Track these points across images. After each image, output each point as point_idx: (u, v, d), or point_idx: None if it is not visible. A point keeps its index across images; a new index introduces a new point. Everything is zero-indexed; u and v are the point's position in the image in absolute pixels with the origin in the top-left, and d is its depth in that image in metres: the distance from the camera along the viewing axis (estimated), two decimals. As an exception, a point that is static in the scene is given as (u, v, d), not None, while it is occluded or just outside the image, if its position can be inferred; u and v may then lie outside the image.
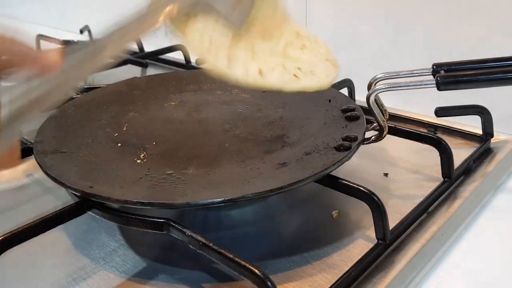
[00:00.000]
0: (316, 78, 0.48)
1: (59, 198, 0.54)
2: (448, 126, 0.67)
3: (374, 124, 0.53)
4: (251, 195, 0.42)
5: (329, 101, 0.61)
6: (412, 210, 0.49)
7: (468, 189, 0.54)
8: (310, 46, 0.53)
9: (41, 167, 0.49)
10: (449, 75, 0.48)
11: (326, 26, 0.86)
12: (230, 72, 0.43)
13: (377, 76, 0.54)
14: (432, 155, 0.55)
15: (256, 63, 0.45)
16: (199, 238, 0.39)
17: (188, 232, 0.40)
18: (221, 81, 0.70)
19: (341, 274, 0.41)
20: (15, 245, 0.42)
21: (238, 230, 0.51)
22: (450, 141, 0.56)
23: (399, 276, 0.42)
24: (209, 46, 0.44)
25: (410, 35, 0.76)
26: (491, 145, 0.63)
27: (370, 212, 0.44)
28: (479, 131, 0.64)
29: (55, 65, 0.34)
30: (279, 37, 0.51)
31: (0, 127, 0.32)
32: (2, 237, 0.41)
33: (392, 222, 0.45)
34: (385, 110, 0.53)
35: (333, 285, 0.40)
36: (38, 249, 0.48)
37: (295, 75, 0.47)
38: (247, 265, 0.36)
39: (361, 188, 0.45)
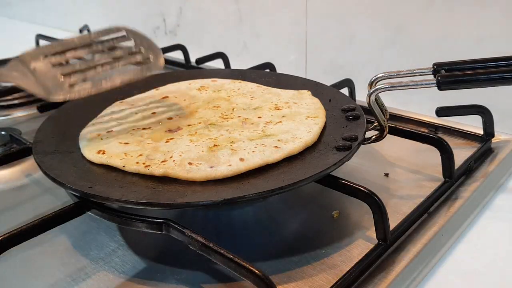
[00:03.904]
0: (298, 140, 0.51)
1: (58, 198, 0.54)
2: (449, 126, 0.67)
3: (375, 124, 0.53)
4: (251, 195, 0.42)
5: (329, 100, 0.61)
6: (413, 211, 0.49)
7: (469, 189, 0.54)
8: (290, 112, 0.58)
9: (40, 167, 0.49)
10: (449, 75, 0.48)
11: (326, 26, 0.86)
12: (214, 173, 0.46)
13: (377, 76, 0.54)
14: (432, 155, 0.55)
15: (236, 154, 0.48)
16: (198, 238, 0.39)
17: (188, 233, 0.40)
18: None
19: (341, 275, 0.41)
20: (14, 245, 0.42)
21: (238, 230, 0.50)
22: (451, 141, 0.56)
23: (399, 276, 0.42)
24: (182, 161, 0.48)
25: (410, 35, 0.76)
26: (492, 145, 0.63)
27: (371, 212, 0.44)
28: (480, 131, 0.63)
29: None
30: (257, 122, 0.56)
31: None
32: (2, 237, 0.41)
33: (393, 222, 0.45)
34: (385, 110, 0.53)
35: (333, 285, 0.40)
36: (38, 249, 0.48)
37: (276, 147, 0.49)
38: (247, 265, 0.36)
39: (362, 188, 0.45)
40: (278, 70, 0.82)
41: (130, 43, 0.58)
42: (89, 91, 0.54)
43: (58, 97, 0.52)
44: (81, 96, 0.53)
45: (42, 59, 0.53)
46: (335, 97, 0.61)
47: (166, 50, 0.99)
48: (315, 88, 0.64)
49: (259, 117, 0.57)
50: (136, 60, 0.56)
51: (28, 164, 0.63)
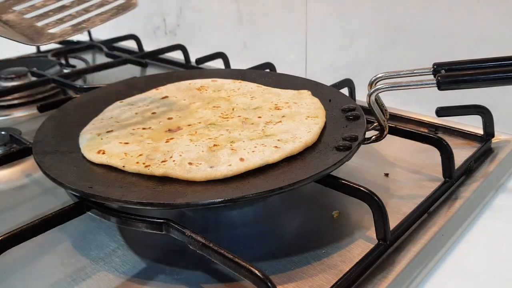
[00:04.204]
0: (298, 140, 0.51)
1: (58, 199, 0.54)
2: (449, 126, 0.67)
3: (375, 124, 0.53)
4: (251, 195, 0.42)
5: (329, 101, 0.61)
6: (413, 211, 0.49)
7: (469, 189, 0.54)
8: (290, 112, 0.58)
9: (40, 167, 0.49)
10: (449, 75, 0.48)
11: (326, 26, 0.86)
12: (214, 173, 0.46)
13: (377, 76, 0.54)
14: (432, 155, 0.55)
15: (236, 154, 0.48)
16: (199, 238, 0.39)
17: (188, 233, 0.40)
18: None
19: (341, 275, 0.41)
20: (14, 245, 0.42)
21: (238, 230, 0.50)
22: (451, 141, 0.56)
23: (399, 276, 0.42)
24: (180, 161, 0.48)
25: (410, 35, 0.76)
26: (492, 145, 0.63)
27: (371, 212, 0.44)
28: (480, 131, 0.63)
29: None
30: (257, 122, 0.56)
31: None
32: (2, 237, 0.41)
33: (393, 222, 0.45)
34: (385, 110, 0.53)
35: (333, 285, 0.40)
36: (38, 249, 0.48)
37: (276, 147, 0.49)
38: (247, 265, 0.36)
39: (362, 189, 0.45)
40: (278, 70, 0.82)
41: None
42: (71, 34, 0.53)
43: (42, 42, 0.52)
44: (65, 39, 0.53)
45: (11, 11, 0.53)
46: (335, 97, 0.61)
47: (166, 50, 0.99)
48: (315, 88, 0.64)
49: (259, 117, 0.57)
50: (108, 1, 0.56)
51: (28, 164, 0.63)
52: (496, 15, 0.67)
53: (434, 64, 0.52)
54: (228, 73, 0.75)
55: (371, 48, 0.81)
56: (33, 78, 0.88)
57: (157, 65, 1.02)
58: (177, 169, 0.47)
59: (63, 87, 0.87)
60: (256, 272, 0.36)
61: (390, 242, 0.45)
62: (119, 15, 0.55)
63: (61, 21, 0.54)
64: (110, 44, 1.09)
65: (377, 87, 0.50)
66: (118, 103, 0.65)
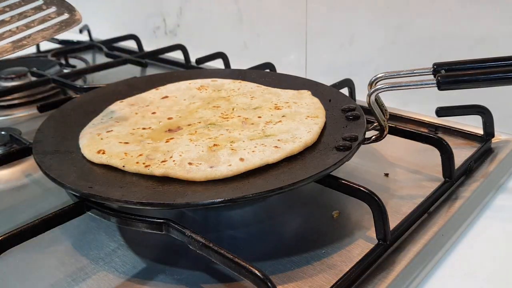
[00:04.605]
0: (298, 140, 0.51)
1: (58, 199, 0.54)
2: (449, 126, 0.67)
3: (375, 124, 0.53)
4: (251, 195, 0.42)
5: (330, 100, 0.61)
6: (413, 211, 0.49)
7: (469, 189, 0.54)
8: (290, 112, 0.58)
9: (40, 167, 0.49)
10: (449, 75, 0.48)
11: (326, 26, 0.86)
12: (214, 173, 0.46)
13: (377, 76, 0.54)
14: (432, 155, 0.55)
15: (236, 154, 0.48)
16: (199, 238, 0.39)
17: (188, 233, 0.40)
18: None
19: (341, 275, 0.41)
20: (14, 245, 0.42)
21: (238, 230, 0.50)
22: (450, 141, 0.56)
23: (399, 276, 0.42)
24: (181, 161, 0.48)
25: (410, 35, 0.76)
26: (492, 145, 0.63)
27: (371, 212, 0.44)
28: (480, 131, 0.63)
29: None
30: (257, 122, 0.56)
31: None
32: (2, 237, 0.41)
33: (393, 222, 0.45)
34: (385, 110, 0.53)
35: (333, 285, 0.40)
36: (38, 249, 0.48)
37: (276, 147, 0.49)
38: (247, 265, 0.36)
39: (362, 189, 0.45)
40: (278, 70, 0.82)
41: (39, 2, 0.56)
42: (10, 51, 0.52)
43: None
44: (4, 57, 0.51)
45: None
46: (335, 97, 0.61)
47: (166, 50, 0.99)
48: (315, 88, 0.64)
49: (259, 117, 0.57)
50: (50, 17, 0.55)
51: (28, 164, 0.63)
52: (496, 15, 0.67)
53: (434, 64, 0.52)
54: (228, 73, 0.75)
55: (371, 48, 0.81)
56: (33, 78, 0.88)
57: (157, 65, 1.02)
58: (177, 169, 0.47)
59: (63, 87, 0.87)
60: (256, 272, 0.36)
61: (390, 242, 0.45)
62: (62, 31, 0.54)
63: (0, 37, 0.52)
64: (110, 44, 1.09)
65: (377, 87, 0.50)
66: (118, 103, 0.65)
